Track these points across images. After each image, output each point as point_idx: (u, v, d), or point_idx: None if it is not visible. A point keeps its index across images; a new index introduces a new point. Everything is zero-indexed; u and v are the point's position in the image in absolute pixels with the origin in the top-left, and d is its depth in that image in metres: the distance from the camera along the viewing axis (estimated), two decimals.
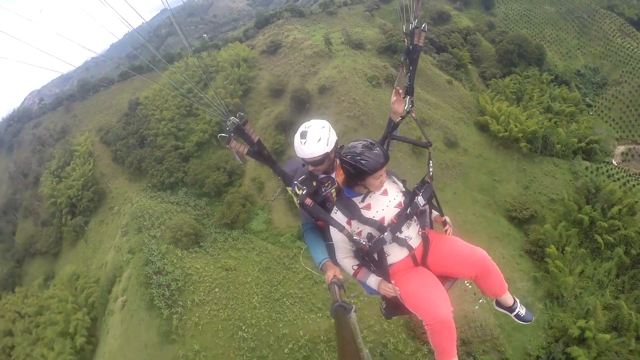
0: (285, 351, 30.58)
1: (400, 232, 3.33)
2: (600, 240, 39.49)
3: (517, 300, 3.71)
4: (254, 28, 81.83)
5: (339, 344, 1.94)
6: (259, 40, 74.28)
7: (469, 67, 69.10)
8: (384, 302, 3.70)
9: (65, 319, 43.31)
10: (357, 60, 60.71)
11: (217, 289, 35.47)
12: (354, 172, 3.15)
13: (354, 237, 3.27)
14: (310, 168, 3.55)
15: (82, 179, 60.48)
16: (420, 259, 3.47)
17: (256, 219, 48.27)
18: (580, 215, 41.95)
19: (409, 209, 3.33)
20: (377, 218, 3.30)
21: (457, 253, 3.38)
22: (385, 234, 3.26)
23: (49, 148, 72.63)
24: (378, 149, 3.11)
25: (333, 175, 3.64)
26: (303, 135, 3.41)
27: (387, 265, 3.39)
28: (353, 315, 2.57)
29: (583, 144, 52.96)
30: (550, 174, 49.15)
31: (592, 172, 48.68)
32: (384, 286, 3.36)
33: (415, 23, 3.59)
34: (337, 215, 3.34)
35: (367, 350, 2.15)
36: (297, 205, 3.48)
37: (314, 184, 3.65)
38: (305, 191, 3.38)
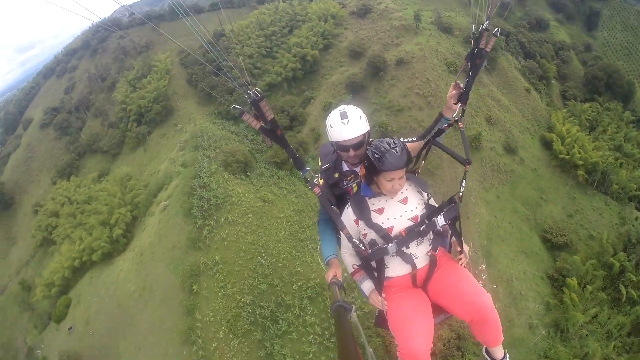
0: (294, 287, 32.00)
1: (408, 247, 3.16)
2: (623, 291, 37.76)
3: (508, 356, 3.46)
4: None
5: (339, 344, 1.92)
6: (352, 1, 74.62)
7: (552, 81, 66.03)
8: (377, 309, 3.54)
9: (109, 211, 47.66)
10: (440, 43, 59.81)
11: (250, 215, 37.25)
12: (367, 165, 3.09)
13: (354, 240, 3.19)
14: (351, 154, 3.39)
15: (154, 93, 64.71)
16: (420, 282, 3.31)
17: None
18: (612, 259, 40.11)
19: (423, 226, 3.13)
20: (385, 226, 3.16)
21: (460, 290, 3.12)
22: (390, 245, 3.11)
23: (130, 59, 78.18)
24: (399, 150, 2.95)
25: (357, 170, 3.55)
26: (343, 115, 3.31)
27: (384, 277, 3.27)
28: (354, 315, 2.54)
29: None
30: (598, 210, 47.20)
31: None
32: (374, 297, 3.29)
33: (486, 25, 3.21)
34: (348, 211, 3.28)
35: (372, 350, 2.25)
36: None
37: (336, 175, 3.61)
38: (317, 179, 3.39)
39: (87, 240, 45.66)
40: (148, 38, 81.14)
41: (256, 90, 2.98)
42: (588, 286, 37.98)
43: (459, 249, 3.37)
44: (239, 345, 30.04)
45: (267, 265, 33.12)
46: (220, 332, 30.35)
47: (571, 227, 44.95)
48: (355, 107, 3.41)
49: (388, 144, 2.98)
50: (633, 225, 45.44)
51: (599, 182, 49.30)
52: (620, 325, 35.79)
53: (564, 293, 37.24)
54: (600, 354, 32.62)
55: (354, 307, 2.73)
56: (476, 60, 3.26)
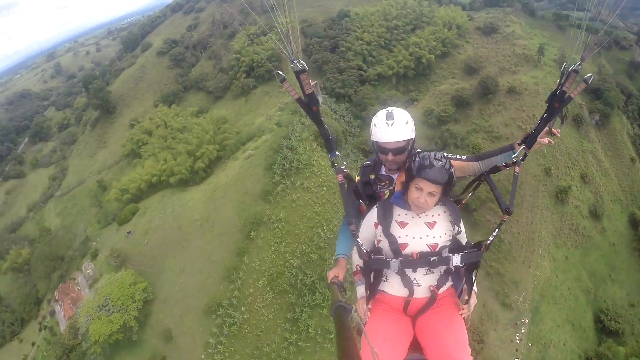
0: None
1: (415, 271, 3.04)
2: None
3: None
4: (481, 2, 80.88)
5: (339, 345, 1.90)
6: (481, 16, 73.42)
7: None
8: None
9: (197, 144, 51.78)
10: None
11: (324, 188, 38.57)
12: (407, 168, 3.02)
13: (358, 239, 3.15)
14: (390, 158, 3.32)
15: (270, 52, 67.41)
16: (412, 312, 3.13)
17: None
18: None
19: (436, 257, 2.98)
20: (400, 240, 3.04)
21: (443, 339, 2.92)
22: (393, 260, 3.01)
23: (255, 14, 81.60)
24: (442, 166, 2.83)
25: (394, 177, 3.46)
26: (389, 116, 3.24)
27: (377, 288, 3.19)
28: (355, 315, 2.52)
29: None
30: None
31: None
32: (361, 305, 3.23)
33: (577, 66, 2.82)
34: (373, 212, 3.21)
35: (377, 351, 2.25)
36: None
37: (372, 176, 3.55)
38: (345, 167, 3.29)
39: (171, 163, 50.09)
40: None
41: (300, 61, 2.84)
42: None
43: (466, 297, 3.19)
44: (272, 300, 31.86)
45: (325, 239, 34.27)
46: (260, 282, 32.23)
47: (629, 317, 41.82)
48: (405, 111, 3.30)
49: (436, 156, 2.88)
50: None
51: None
52: None
53: None
54: None
55: (354, 307, 2.66)
56: (554, 104, 2.90)
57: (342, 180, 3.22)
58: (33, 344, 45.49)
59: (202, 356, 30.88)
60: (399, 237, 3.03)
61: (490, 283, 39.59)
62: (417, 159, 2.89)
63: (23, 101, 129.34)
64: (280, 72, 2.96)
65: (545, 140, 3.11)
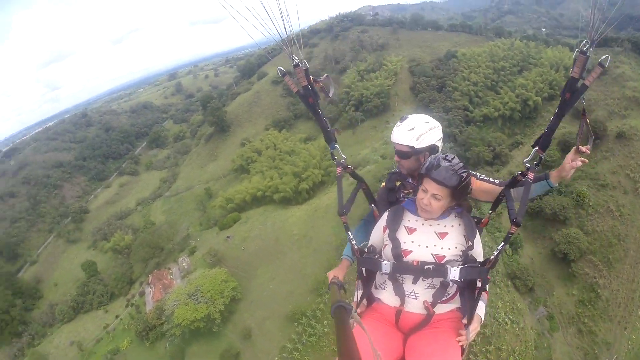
0: None
1: (415, 283, 2.88)
2: None
3: None
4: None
5: (339, 345, 1.89)
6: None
7: None
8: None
9: (304, 167, 55.72)
10: None
11: None
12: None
13: (350, 235, 3.12)
14: (396, 159, 3.44)
15: (378, 88, 71.80)
16: (405, 327, 2.94)
17: None
18: None
19: (432, 266, 2.78)
20: (404, 246, 2.90)
21: None
22: (385, 262, 2.89)
23: (365, 52, 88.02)
24: (452, 168, 2.72)
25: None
26: (403, 118, 3.37)
27: (369, 291, 3.12)
28: (356, 315, 2.50)
29: None
30: None
31: None
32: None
33: (590, 47, 2.36)
34: (385, 215, 3.13)
35: (380, 353, 2.26)
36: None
37: (398, 183, 3.52)
38: (343, 160, 3.29)
39: (276, 181, 53.88)
40: (385, 39, 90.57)
41: (295, 58, 2.84)
42: None
43: (464, 321, 2.89)
44: None
45: None
46: (347, 300, 32.56)
47: None
48: (427, 119, 3.35)
49: (447, 157, 2.79)
50: None
51: None
52: None
53: None
54: None
55: (354, 307, 2.63)
56: (565, 95, 2.44)
57: (340, 172, 3.25)
58: (117, 317, 49.84)
59: (275, 358, 31.83)
60: (404, 242, 2.91)
61: (581, 341, 36.49)
62: (431, 158, 2.83)
63: (144, 111, 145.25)
64: (282, 68, 2.96)
65: (578, 162, 2.72)
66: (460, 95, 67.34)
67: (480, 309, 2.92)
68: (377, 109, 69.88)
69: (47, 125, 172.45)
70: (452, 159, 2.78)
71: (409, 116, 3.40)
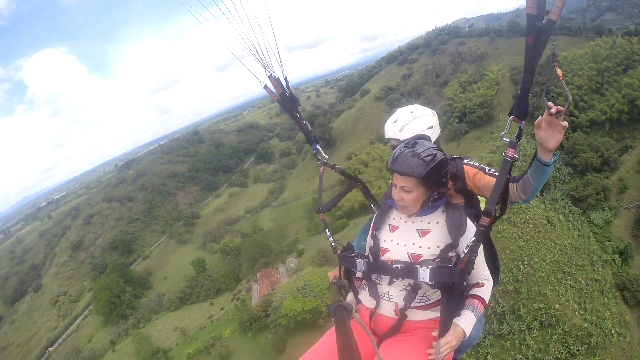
0: (534, 305, 31.10)
1: (390, 283, 2.62)
2: None
3: None
4: None
5: (340, 346, 1.87)
6: None
7: None
8: None
9: None
10: None
11: (530, 225, 37.91)
12: None
13: (328, 232, 3.05)
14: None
15: (481, 98, 70.86)
16: (379, 331, 2.69)
17: (599, 212, 47.36)
18: None
19: (400, 266, 2.54)
20: (384, 245, 2.72)
21: None
22: (359, 260, 2.73)
23: (465, 64, 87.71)
24: (412, 152, 2.47)
25: None
26: (395, 114, 3.31)
27: (356, 290, 2.92)
28: (356, 316, 2.44)
29: None
30: None
31: None
32: None
33: None
34: (375, 215, 2.99)
35: (382, 356, 2.22)
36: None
37: None
38: (327, 159, 3.24)
39: (384, 189, 54.38)
40: (484, 49, 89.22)
41: (269, 70, 2.85)
42: None
43: (433, 333, 2.49)
44: None
45: (523, 273, 32.66)
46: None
47: None
48: (413, 109, 3.24)
49: (407, 144, 2.55)
50: None
51: None
52: None
53: None
54: None
55: (354, 307, 2.63)
56: (528, 39, 1.92)
57: (322, 172, 3.22)
58: (222, 309, 52.71)
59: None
60: (384, 240, 2.73)
61: None
62: (393, 149, 2.70)
63: (251, 130, 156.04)
64: (262, 80, 2.95)
65: (556, 121, 2.16)
66: (564, 101, 63.34)
67: (465, 319, 2.48)
68: (481, 120, 68.87)
69: (162, 143, 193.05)
70: (414, 144, 2.50)
71: (399, 110, 3.30)
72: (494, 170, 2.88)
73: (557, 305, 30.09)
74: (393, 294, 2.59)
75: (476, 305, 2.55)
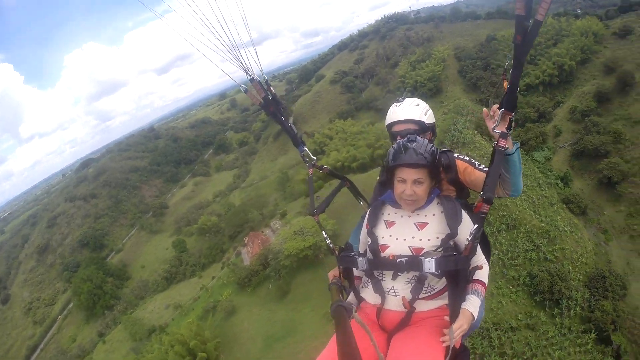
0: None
1: (394, 279, 2.73)
2: None
3: None
4: (615, 10, 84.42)
5: (340, 346, 1.89)
6: (615, 22, 77.14)
7: None
8: None
9: (376, 139, 63.90)
10: None
11: (485, 158, 44.60)
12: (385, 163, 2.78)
13: (325, 234, 3.10)
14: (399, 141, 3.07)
15: (430, 74, 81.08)
16: (387, 327, 2.76)
17: (540, 152, 57.48)
18: None
19: (405, 260, 2.60)
20: (382, 241, 2.78)
21: None
22: (360, 258, 2.79)
23: (413, 47, 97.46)
24: (418, 144, 2.58)
25: None
26: (400, 99, 3.38)
27: (357, 292, 3.00)
28: (356, 315, 2.46)
29: None
30: None
31: None
32: None
33: None
34: (368, 212, 3.06)
35: (383, 355, 2.33)
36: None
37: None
38: (315, 161, 3.24)
39: (353, 152, 61.83)
40: (430, 33, 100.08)
41: (249, 73, 2.82)
42: None
43: (446, 317, 2.57)
44: None
45: None
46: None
47: None
48: (420, 100, 3.31)
49: (409, 138, 2.65)
50: None
51: None
52: None
53: None
54: None
55: (354, 307, 2.57)
56: (516, 37, 2.01)
57: (311, 174, 3.21)
58: (213, 278, 54.21)
59: None
60: (382, 237, 2.79)
61: (634, 245, 42.12)
62: (390, 150, 2.70)
63: (204, 125, 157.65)
64: (244, 85, 2.95)
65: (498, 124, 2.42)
66: (503, 71, 74.91)
67: (471, 303, 2.62)
68: (431, 92, 78.59)
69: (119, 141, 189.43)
70: (416, 138, 2.65)
71: (405, 97, 3.38)
72: (483, 165, 3.06)
73: (517, 212, 36.84)
74: (398, 288, 2.70)
75: (478, 288, 2.71)
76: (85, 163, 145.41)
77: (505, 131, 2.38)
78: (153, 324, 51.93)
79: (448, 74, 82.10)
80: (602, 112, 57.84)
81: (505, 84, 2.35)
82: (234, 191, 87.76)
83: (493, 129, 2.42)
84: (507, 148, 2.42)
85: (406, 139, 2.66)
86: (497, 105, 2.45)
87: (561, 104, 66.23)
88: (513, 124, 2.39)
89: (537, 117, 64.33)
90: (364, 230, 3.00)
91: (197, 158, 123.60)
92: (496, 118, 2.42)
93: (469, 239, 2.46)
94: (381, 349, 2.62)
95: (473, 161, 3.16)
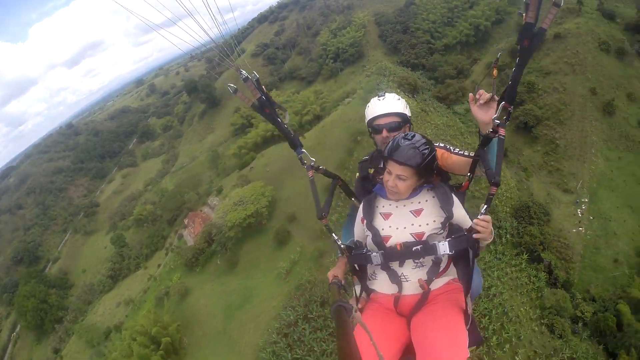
0: None
1: (402, 265, 2.96)
2: None
3: None
4: None
5: (340, 345, 1.90)
6: None
7: None
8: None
9: (302, 106, 66.33)
10: (599, 26, 66.52)
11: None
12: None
13: (333, 234, 3.17)
14: (384, 134, 3.41)
15: (351, 40, 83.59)
16: (405, 310, 2.97)
17: (461, 105, 62.99)
18: None
19: (419, 247, 2.84)
20: (383, 233, 2.98)
21: (433, 341, 2.61)
22: (374, 254, 2.96)
23: (333, 15, 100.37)
24: (413, 146, 2.75)
25: None
26: (381, 94, 3.47)
27: (365, 285, 3.19)
28: (356, 315, 2.54)
29: None
30: None
31: None
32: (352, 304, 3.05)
33: None
34: (360, 207, 3.23)
35: (382, 354, 2.38)
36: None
37: (371, 171, 3.58)
38: (314, 162, 3.28)
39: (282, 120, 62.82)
40: (349, 1, 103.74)
41: (243, 72, 2.93)
42: None
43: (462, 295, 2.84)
44: None
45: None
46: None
47: None
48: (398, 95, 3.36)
49: (406, 136, 2.83)
50: None
51: None
52: None
53: None
54: None
55: (355, 307, 2.66)
56: (523, 42, 2.26)
57: (312, 176, 3.22)
58: (159, 266, 54.16)
59: (323, 227, 40.26)
60: (382, 229, 2.98)
61: (552, 178, 48.50)
62: (389, 141, 2.89)
63: (124, 115, 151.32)
64: (232, 85, 3.00)
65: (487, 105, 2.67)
66: (422, 33, 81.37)
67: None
68: (353, 57, 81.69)
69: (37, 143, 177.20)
70: (413, 137, 2.81)
71: (385, 93, 3.49)
72: (457, 149, 3.25)
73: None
74: (408, 273, 2.92)
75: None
76: (5, 173, 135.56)
77: (504, 122, 2.52)
78: (107, 325, 51.65)
79: (369, 39, 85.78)
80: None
81: (495, 72, 2.75)
82: (165, 177, 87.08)
83: (493, 119, 2.53)
84: (504, 136, 2.58)
85: (404, 134, 2.86)
86: (483, 90, 2.71)
87: (478, 61, 72.86)
88: (511, 115, 2.53)
89: (456, 74, 70.12)
90: (359, 225, 3.20)
91: (122, 149, 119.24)
92: (492, 106, 2.65)
93: (480, 217, 2.66)
94: (403, 333, 2.91)
95: (448, 147, 3.33)
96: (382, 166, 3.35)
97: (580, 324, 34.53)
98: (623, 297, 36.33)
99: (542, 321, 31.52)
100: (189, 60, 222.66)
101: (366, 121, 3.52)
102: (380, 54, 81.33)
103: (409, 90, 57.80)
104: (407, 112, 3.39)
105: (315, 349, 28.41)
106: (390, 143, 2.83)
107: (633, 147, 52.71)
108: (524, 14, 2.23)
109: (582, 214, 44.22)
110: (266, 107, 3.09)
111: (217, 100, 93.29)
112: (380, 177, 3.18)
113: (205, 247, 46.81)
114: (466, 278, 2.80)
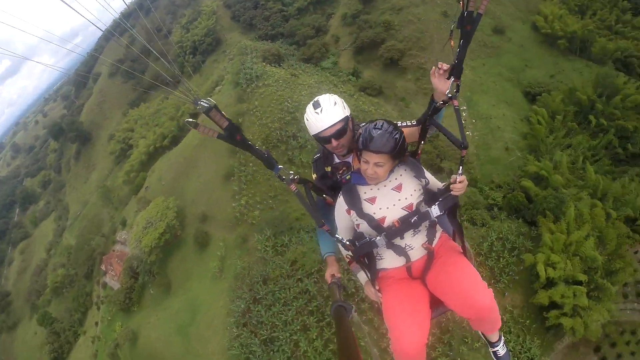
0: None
1: (402, 237, 3.14)
2: (593, 120, 45.21)
3: (502, 339, 3.52)
4: None
5: (340, 345, 1.97)
6: None
7: None
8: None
9: (176, 109, 64.51)
10: None
11: (281, 81, 51.87)
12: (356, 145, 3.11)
13: (337, 236, 3.23)
14: (334, 144, 3.28)
15: (205, 29, 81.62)
16: (418, 273, 3.26)
17: (327, 60, 65.29)
18: (579, 94, 47.30)
19: (415, 217, 3.08)
20: (377, 216, 3.13)
21: (460, 286, 2.95)
22: (378, 238, 3.11)
23: (181, 10, 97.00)
24: (384, 133, 2.89)
25: (349, 160, 3.51)
26: (316, 104, 3.24)
27: (376, 269, 3.29)
28: (355, 315, 2.63)
29: (619, 54, 54.29)
30: (578, 70, 54.92)
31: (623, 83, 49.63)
32: (368, 289, 3.36)
33: None
34: (339, 201, 3.29)
35: (376, 351, 2.52)
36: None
37: (328, 169, 3.60)
38: (293, 175, 3.19)
39: (159, 131, 61.05)
40: None
41: (206, 100, 2.84)
42: (557, 116, 46.60)
43: (459, 247, 3.27)
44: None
45: (292, 106, 46.92)
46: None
47: (551, 84, 53.61)
48: (330, 94, 3.32)
49: (376, 125, 2.95)
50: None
51: (580, 49, 56.87)
52: (591, 147, 44.09)
53: (531, 122, 46.94)
54: (566, 159, 41.00)
55: (354, 307, 2.79)
56: (466, 26, 2.72)
57: (296, 189, 3.12)
58: (96, 323, 52.34)
59: (232, 204, 41.34)
60: (374, 213, 3.11)
61: (427, 98, 52.86)
62: (361, 131, 2.99)
63: None
64: (192, 120, 2.90)
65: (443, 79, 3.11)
66: (273, 3, 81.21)
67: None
68: (211, 46, 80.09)
69: None
70: (382, 125, 2.92)
71: (318, 99, 3.30)
72: (406, 122, 3.58)
73: None
74: (410, 242, 3.15)
75: None
76: None
77: (455, 94, 3.05)
78: None
79: (223, 23, 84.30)
80: (369, 11, 67.46)
81: (452, 43, 2.98)
82: (64, 233, 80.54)
83: (447, 94, 3.03)
84: (458, 107, 3.03)
85: (373, 124, 2.97)
86: (443, 64, 3.09)
87: (333, 15, 74.66)
88: (459, 87, 3.06)
89: (315, 32, 71.75)
90: (345, 217, 3.29)
91: (8, 225, 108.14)
92: (446, 78, 3.08)
93: (459, 178, 2.96)
94: (424, 293, 3.19)
95: (397, 122, 3.37)
96: (343, 160, 3.52)
97: (495, 209, 39.05)
98: (523, 176, 41.33)
99: (463, 218, 35.17)
100: (45, 104, 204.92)
101: (310, 135, 3.42)
102: (238, 34, 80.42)
103: (274, 61, 58.88)
104: (347, 112, 3.29)
105: (277, 323, 29.58)
106: (361, 136, 2.95)
107: (492, 52, 58.68)
108: (461, 2, 2.68)
109: (465, 120, 48.68)
110: (236, 134, 3.00)
111: (87, 135, 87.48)
112: (339, 171, 3.47)
113: (133, 283, 45.89)
114: (456, 227, 3.22)
